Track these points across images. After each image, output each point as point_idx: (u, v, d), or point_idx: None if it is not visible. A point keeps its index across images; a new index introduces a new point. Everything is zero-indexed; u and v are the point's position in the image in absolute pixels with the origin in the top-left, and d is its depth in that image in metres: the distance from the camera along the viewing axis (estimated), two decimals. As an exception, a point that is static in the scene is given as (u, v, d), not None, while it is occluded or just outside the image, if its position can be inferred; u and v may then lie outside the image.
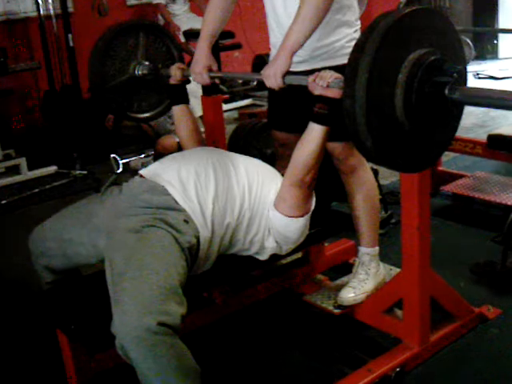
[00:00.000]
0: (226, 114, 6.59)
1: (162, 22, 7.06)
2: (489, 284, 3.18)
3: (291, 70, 2.34)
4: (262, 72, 2.37)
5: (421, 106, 1.84)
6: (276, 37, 2.62)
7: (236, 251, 2.41)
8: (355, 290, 2.77)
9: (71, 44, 6.01)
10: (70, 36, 6.01)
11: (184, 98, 2.82)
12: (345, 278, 3.03)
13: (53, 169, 5.64)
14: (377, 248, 2.82)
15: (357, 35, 2.53)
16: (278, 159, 2.93)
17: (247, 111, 7.22)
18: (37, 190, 5.18)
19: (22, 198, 5.05)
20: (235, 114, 7.22)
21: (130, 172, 5.07)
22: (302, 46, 2.34)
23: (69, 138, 5.81)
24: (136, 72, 3.00)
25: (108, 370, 2.39)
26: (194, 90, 4.51)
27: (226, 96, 7.11)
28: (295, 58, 2.35)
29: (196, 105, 4.65)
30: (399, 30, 1.82)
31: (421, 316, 2.56)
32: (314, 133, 2.20)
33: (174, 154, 2.61)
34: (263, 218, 2.35)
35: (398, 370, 2.47)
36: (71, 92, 6.03)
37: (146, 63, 3.01)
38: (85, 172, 5.47)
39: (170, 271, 2.03)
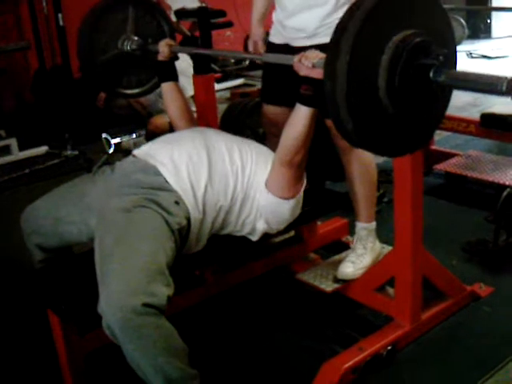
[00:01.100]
0: (217, 94, 6.54)
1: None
2: (481, 262, 3.19)
3: (296, 45, 2.34)
4: None
5: (405, 89, 1.78)
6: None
7: (228, 232, 2.40)
8: (354, 264, 2.81)
9: (61, 23, 5.97)
10: (60, 15, 5.96)
11: (172, 75, 2.79)
12: (337, 257, 3.03)
13: (44, 149, 5.62)
14: (374, 223, 2.85)
15: None
16: (267, 139, 2.92)
17: (239, 91, 7.18)
18: (27, 171, 5.15)
19: (13, 178, 5.02)
20: (227, 94, 7.18)
21: (122, 152, 5.07)
22: None
23: (60, 118, 5.77)
24: (125, 47, 2.96)
25: (99, 349, 2.38)
26: (186, 68, 4.47)
27: (218, 75, 7.07)
28: (300, 34, 2.37)
29: (187, 84, 4.61)
30: (384, 10, 1.76)
31: (412, 294, 2.56)
32: (301, 114, 2.16)
33: (167, 135, 2.59)
34: (255, 200, 2.33)
35: (389, 348, 2.47)
36: (62, 71, 5.99)
37: (135, 38, 2.96)
38: (76, 152, 5.44)
39: (158, 253, 2.02)
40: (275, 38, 2.82)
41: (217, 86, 6.68)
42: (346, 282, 2.81)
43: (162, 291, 1.94)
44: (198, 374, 2.04)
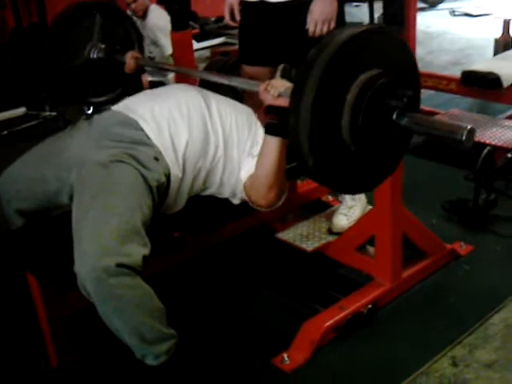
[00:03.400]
0: (198, 53, 6.49)
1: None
2: (461, 221, 3.21)
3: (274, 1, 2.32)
4: None
5: (367, 128, 1.76)
6: None
7: (210, 193, 2.38)
8: (347, 216, 2.91)
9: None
10: (35, -28, 5.84)
11: (138, 89, 2.73)
12: (317, 216, 3.03)
13: (21, 110, 5.52)
14: None
15: None
16: (245, 101, 2.87)
17: (220, 50, 7.10)
18: (5, 132, 5.07)
19: (-10, 140, 4.95)
20: (207, 53, 7.11)
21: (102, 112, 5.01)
22: None
23: (37, 78, 5.67)
24: (91, 55, 2.87)
25: (80, 311, 2.37)
26: (164, 26, 4.41)
27: (196, 31, 6.98)
28: None
29: (166, 42, 4.56)
30: (351, 50, 1.72)
31: (393, 253, 2.57)
32: (269, 145, 2.06)
33: (147, 91, 2.55)
34: (237, 167, 2.29)
35: (370, 306, 2.48)
36: (39, 29, 5.88)
37: (102, 46, 2.87)
38: (54, 113, 5.35)
39: (134, 211, 1.99)
40: None
41: (197, 45, 6.61)
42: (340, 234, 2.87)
43: (137, 251, 1.91)
44: (176, 334, 2.03)
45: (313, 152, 1.71)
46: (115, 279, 1.85)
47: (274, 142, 2.05)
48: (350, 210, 2.93)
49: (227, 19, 2.83)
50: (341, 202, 3.02)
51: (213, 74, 2.53)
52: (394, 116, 1.77)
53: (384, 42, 1.84)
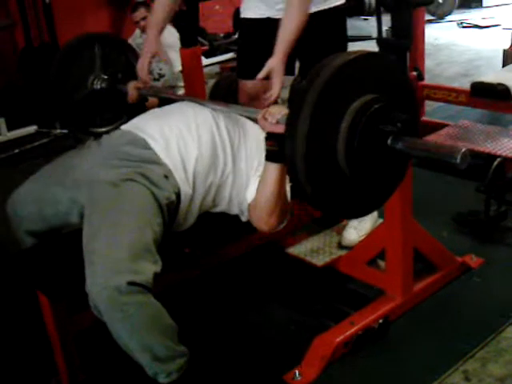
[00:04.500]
0: (207, 69, 6.52)
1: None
2: (472, 233, 3.19)
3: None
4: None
5: (363, 154, 1.77)
6: None
7: (221, 210, 2.38)
8: (357, 230, 2.88)
9: (47, 0, 5.90)
10: (45, -8, 5.90)
11: None
12: (327, 230, 3.03)
13: (33, 128, 5.56)
14: None
15: None
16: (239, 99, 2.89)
17: (229, 65, 7.12)
18: (17, 151, 5.11)
19: (2, 158, 4.98)
20: (217, 69, 7.14)
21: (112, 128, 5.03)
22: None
23: (48, 97, 5.71)
24: (95, 86, 2.91)
25: (91, 328, 2.37)
26: (174, 43, 4.45)
27: (205, 48, 7.02)
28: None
29: (176, 59, 4.58)
30: (343, 77, 1.74)
31: (403, 266, 2.56)
32: (269, 172, 2.08)
33: (156, 110, 2.56)
34: (245, 184, 2.29)
35: (381, 321, 2.47)
36: (49, 49, 5.92)
37: (105, 76, 2.91)
38: (65, 131, 5.39)
39: (144, 229, 2.00)
40: (251, 13, 2.78)
41: (206, 61, 6.65)
42: (346, 250, 2.86)
43: (148, 268, 1.93)
44: (187, 352, 2.04)
45: (310, 180, 1.73)
46: (127, 297, 1.86)
47: (275, 168, 2.06)
48: (360, 224, 2.91)
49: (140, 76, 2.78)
50: None
51: (212, 103, 2.53)
52: (389, 141, 1.78)
53: (378, 66, 1.85)
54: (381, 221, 2.80)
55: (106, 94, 2.93)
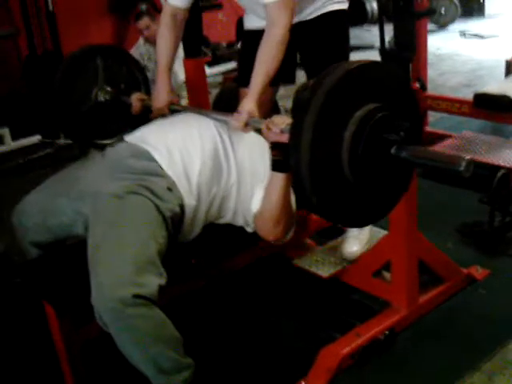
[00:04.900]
0: (210, 79, 6.52)
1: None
2: (477, 244, 3.19)
3: None
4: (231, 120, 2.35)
5: (367, 164, 1.78)
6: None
7: (226, 221, 2.39)
8: (359, 240, 2.86)
9: (51, 8, 5.90)
10: (49, 0, 5.90)
11: None
12: (333, 242, 3.03)
13: (36, 138, 5.57)
14: None
15: None
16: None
17: (232, 75, 7.12)
18: (21, 161, 5.12)
19: (6, 168, 4.98)
20: (220, 78, 7.14)
21: (116, 140, 5.04)
22: (267, 85, 2.38)
23: (52, 106, 5.72)
24: (98, 98, 2.92)
25: (96, 339, 2.38)
26: (177, 54, 4.45)
27: (209, 58, 7.03)
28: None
29: (179, 69, 4.58)
30: (346, 86, 1.74)
31: (409, 278, 2.56)
32: (275, 181, 2.09)
33: (159, 120, 2.57)
34: (250, 194, 2.29)
35: (387, 332, 2.47)
36: (53, 57, 5.93)
37: (108, 88, 2.92)
38: (69, 141, 5.38)
39: (148, 242, 2.01)
40: (250, 24, 2.80)
41: (209, 71, 6.64)
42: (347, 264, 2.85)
43: (153, 281, 1.93)
44: (193, 363, 2.04)
45: (315, 190, 1.73)
46: (132, 310, 1.86)
47: (280, 177, 2.06)
48: (361, 233, 2.89)
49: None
50: None
51: (215, 112, 2.54)
52: (393, 150, 1.78)
53: (381, 75, 1.86)
54: (385, 233, 2.80)
55: (109, 105, 2.94)
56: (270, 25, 2.35)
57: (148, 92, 3.03)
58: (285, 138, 1.94)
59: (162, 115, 2.66)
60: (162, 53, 2.71)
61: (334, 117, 1.73)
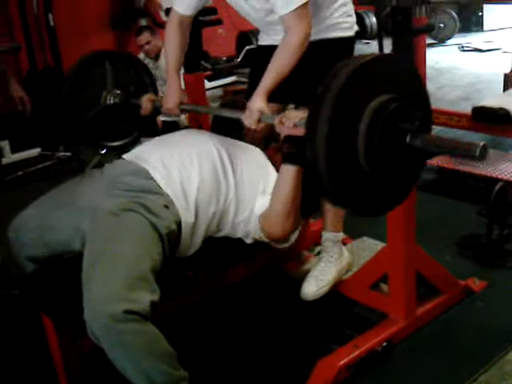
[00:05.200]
0: (210, 92, 6.56)
1: (142, 1, 7.00)
2: (474, 257, 3.20)
3: None
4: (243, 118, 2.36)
5: (383, 154, 1.81)
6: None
7: (224, 235, 2.40)
8: (317, 281, 2.71)
9: (52, 24, 5.94)
10: (50, 16, 5.94)
11: (153, 131, 2.83)
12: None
13: (36, 151, 5.59)
14: (341, 234, 2.78)
15: (346, 8, 2.61)
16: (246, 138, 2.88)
17: (231, 89, 7.18)
18: (20, 173, 5.13)
19: (6, 181, 4.99)
20: (220, 92, 7.18)
21: (115, 152, 5.05)
22: (277, 85, 2.35)
23: (52, 120, 5.74)
24: (107, 101, 2.92)
25: (93, 351, 2.37)
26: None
27: (208, 73, 7.07)
28: None
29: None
30: (359, 79, 1.77)
31: (406, 290, 2.56)
32: (286, 174, 2.19)
33: (158, 138, 2.59)
34: (248, 208, 2.33)
35: (384, 344, 2.47)
36: (53, 72, 5.97)
37: (117, 92, 2.93)
38: (69, 154, 5.42)
39: (142, 259, 2.02)
40: (263, 41, 2.79)
41: (209, 84, 6.68)
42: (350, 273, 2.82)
43: (145, 297, 1.94)
44: (187, 376, 2.04)
45: (332, 180, 1.76)
46: (123, 325, 1.88)
47: (292, 170, 2.16)
48: (322, 273, 2.73)
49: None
50: (316, 260, 2.82)
51: (226, 110, 2.58)
52: (408, 139, 1.81)
53: (392, 67, 1.88)
54: (383, 245, 2.80)
55: (119, 108, 2.95)
56: (287, 33, 2.34)
57: (156, 94, 3.05)
58: (298, 132, 2.04)
59: (169, 121, 2.66)
60: (171, 55, 2.73)
61: (349, 108, 1.76)
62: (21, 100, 3.45)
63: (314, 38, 2.44)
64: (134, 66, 3.07)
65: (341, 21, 2.58)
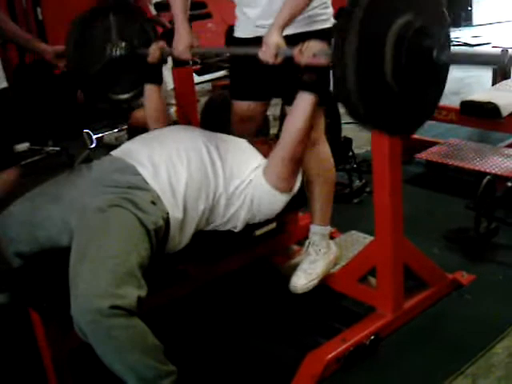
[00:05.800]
0: (199, 87, 6.56)
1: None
2: (462, 250, 3.21)
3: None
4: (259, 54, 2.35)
5: (410, 70, 1.86)
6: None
7: (212, 228, 2.40)
8: (306, 274, 2.74)
9: (40, 17, 5.92)
10: (38, 9, 5.92)
11: (158, 78, 2.82)
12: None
13: (25, 146, 5.56)
14: (328, 227, 2.80)
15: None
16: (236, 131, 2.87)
17: (221, 83, 7.17)
18: (9, 167, 5.09)
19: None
20: (209, 86, 7.17)
21: (104, 147, 5.05)
22: (293, 20, 2.35)
23: (41, 114, 5.73)
24: (113, 53, 2.93)
25: (82, 346, 2.37)
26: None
27: (197, 67, 7.05)
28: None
29: (167, 77, 4.60)
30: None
31: (394, 283, 2.57)
32: (304, 102, 2.24)
33: (146, 135, 2.58)
34: (236, 202, 2.34)
35: (372, 337, 2.48)
36: (42, 66, 5.94)
37: (122, 44, 2.93)
38: (58, 148, 5.40)
39: (129, 253, 2.01)
40: (241, 33, 2.76)
41: (198, 79, 6.67)
42: (338, 266, 2.84)
43: (132, 293, 1.93)
44: (175, 370, 2.03)
45: (362, 99, 1.80)
46: (109, 321, 1.87)
47: (309, 98, 2.23)
48: (311, 266, 2.76)
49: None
50: (304, 254, 2.83)
51: (240, 48, 2.69)
52: (434, 54, 1.86)
53: None
54: (371, 239, 2.81)
55: (124, 60, 2.96)
56: None
57: None
58: (318, 61, 2.12)
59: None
60: (177, 7, 2.72)
61: (376, 26, 1.80)
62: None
63: (294, 31, 2.45)
64: (138, 18, 3.07)
65: (319, 12, 2.56)
